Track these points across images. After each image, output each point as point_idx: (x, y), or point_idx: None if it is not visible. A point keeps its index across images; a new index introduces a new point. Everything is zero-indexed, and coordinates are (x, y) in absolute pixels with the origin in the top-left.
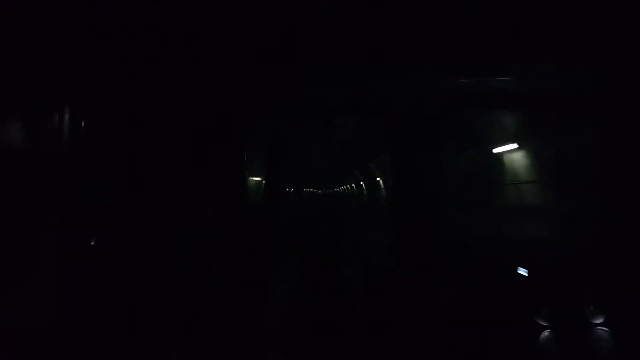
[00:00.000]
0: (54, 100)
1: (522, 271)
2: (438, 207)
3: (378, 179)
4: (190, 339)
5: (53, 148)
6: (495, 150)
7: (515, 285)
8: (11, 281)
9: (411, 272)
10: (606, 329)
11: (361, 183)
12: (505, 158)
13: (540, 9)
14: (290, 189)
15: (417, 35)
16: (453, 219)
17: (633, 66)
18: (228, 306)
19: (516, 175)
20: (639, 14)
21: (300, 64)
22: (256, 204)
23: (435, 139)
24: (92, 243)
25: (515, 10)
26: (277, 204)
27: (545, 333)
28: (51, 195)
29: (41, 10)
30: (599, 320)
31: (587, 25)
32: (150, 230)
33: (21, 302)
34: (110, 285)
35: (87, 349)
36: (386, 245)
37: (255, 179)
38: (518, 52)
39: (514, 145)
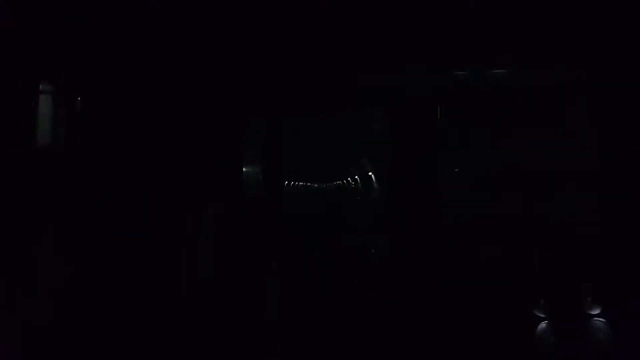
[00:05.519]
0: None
1: None
2: None
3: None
4: (194, 338)
5: (50, 146)
6: None
7: None
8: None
9: None
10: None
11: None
12: None
13: None
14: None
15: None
16: None
17: None
18: (227, 305)
19: None
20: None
21: (298, 59)
22: (254, 198)
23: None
24: (93, 240)
25: None
26: (276, 198)
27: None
28: (54, 193)
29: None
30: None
31: None
32: (148, 226)
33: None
34: (111, 283)
35: (89, 349)
36: None
37: (253, 173)
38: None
39: None
